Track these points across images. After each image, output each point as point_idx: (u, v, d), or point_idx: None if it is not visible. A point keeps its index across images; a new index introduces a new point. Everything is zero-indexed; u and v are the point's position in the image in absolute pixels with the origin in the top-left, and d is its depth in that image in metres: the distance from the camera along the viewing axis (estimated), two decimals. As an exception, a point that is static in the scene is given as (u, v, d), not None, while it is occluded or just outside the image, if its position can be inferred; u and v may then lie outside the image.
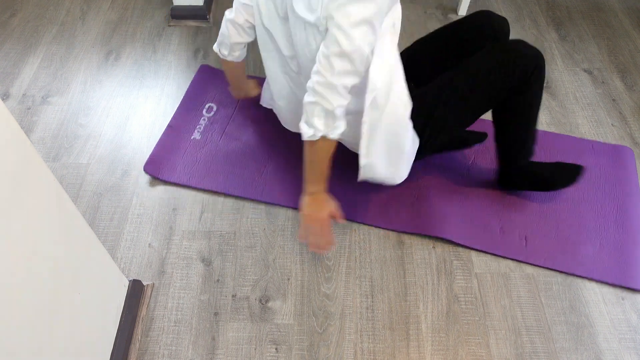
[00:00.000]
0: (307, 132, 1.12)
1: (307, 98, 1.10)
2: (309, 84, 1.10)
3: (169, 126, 1.68)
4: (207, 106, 1.75)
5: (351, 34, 1.03)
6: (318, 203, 1.23)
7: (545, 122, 1.75)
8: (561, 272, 1.38)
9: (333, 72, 1.06)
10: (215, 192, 1.53)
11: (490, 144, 1.49)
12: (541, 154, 1.62)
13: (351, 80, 1.09)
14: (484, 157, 1.62)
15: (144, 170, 1.57)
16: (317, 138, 1.12)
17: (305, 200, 1.22)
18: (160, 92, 1.83)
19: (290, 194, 1.51)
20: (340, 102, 1.09)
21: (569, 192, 1.53)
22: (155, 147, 1.63)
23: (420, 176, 1.55)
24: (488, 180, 1.56)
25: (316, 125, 1.10)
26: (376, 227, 1.47)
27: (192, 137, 1.66)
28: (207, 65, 1.91)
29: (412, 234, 1.45)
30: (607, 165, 1.60)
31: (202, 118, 1.72)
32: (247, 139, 1.66)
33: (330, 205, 1.24)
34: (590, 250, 1.41)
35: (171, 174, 1.56)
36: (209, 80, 1.84)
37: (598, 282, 1.36)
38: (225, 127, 1.69)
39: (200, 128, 1.69)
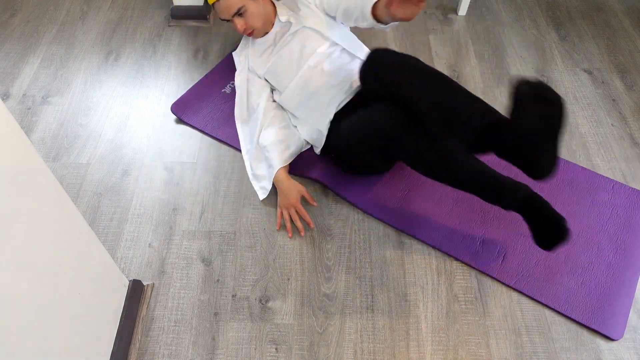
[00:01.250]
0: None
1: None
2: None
3: (205, 76, 1.82)
4: None
5: None
6: (284, 190, 1.45)
7: (545, 122, 1.75)
8: (529, 297, 1.33)
9: None
10: (215, 190, 1.54)
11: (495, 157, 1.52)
12: (561, 186, 1.54)
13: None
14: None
15: (171, 109, 1.73)
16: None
17: (278, 186, 1.42)
18: (160, 92, 1.83)
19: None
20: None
21: (571, 223, 1.47)
22: (186, 92, 1.77)
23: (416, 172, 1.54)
24: (476, 198, 1.52)
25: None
26: (363, 211, 1.49)
27: (222, 90, 1.79)
28: None
29: (397, 229, 1.46)
30: (620, 207, 1.50)
31: None
32: None
33: (298, 188, 1.45)
34: (568, 285, 1.34)
35: (192, 118, 1.71)
36: None
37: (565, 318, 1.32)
38: None
39: (232, 84, 1.81)
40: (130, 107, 1.78)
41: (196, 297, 1.33)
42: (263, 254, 1.42)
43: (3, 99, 1.80)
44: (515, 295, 1.34)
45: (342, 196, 1.51)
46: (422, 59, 1.96)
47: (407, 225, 1.45)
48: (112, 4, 2.19)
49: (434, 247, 1.42)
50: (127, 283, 1.28)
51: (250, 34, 1.56)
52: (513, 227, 1.45)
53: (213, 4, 1.50)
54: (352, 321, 1.30)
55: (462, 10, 2.13)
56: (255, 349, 1.25)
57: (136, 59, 1.95)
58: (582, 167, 1.59)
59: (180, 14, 2.08)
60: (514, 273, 1.37)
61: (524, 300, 1.33)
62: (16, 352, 0.79)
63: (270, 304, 1.32)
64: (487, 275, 1.37)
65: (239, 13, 1.49)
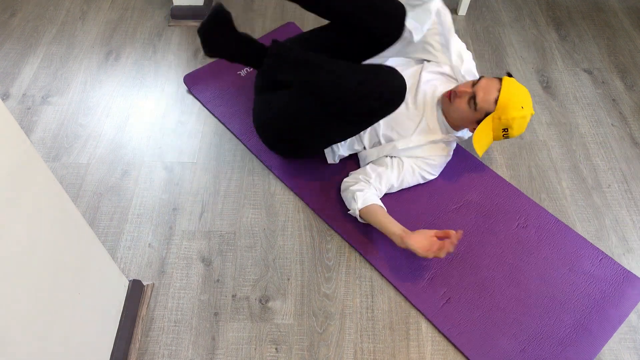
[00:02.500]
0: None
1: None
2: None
3: None
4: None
5: None
6: (414, 238, 1.28)
7: (545, 122, 1.76)
8: (457, 349, 1.25)
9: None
10: (215, 190, 1.54)
11: (483, 206, 1.48)
12: (544, 244, 1.42)
13: None
14: (469, 210, 1.49)
15: (184, 80, 1.81)
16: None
17: (407, 243, 1.27)
18: (160, 92, 1.83)
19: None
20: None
21: (536, 283, 1.35)
22: (204, 66, 1.85)
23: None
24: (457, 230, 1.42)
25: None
26: (325, 221, 1.47)
27: (238, 72, 1.84)
28: (293, 23, 2.07)
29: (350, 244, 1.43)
30: (600, 283, 1.35)
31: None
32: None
33: (422, 233, 1.29)
34: (505, 349, 1.23)
35: (200, 92, 1.78)
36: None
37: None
38: None
39: (249, 69, 1.85)
40: (130, 107, 1.78)
41: (196, 297, 1.33)
42: (263, 254, 1.42)
43: (3, 99, 1.79)
44: (443, 341, 1.27)
45: (311, 208, 1.50)
46: (422, 59, 1.96)
47: (363, 244, 1.41)
48: (112, 4, 2.19)
49: (378, 271, 1.37)
50: (127, 283, 1.28)
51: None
52: (471, 277, 1.36)
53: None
54: (352, 321, 1.30)
55: (462, 10, 2.13)
56: (255, 349, 1.25)
57: (136, 59, 1.95)
58: (576, 233, 1.44)
59: (180, 14, 2.08)
60: (450, 321, 1.28)
61: (451, 349, 1.26)
62: (16, 352, 0.79)
63: (270, 304, 1.32)
64: (422, 315, 1.31)
65: None
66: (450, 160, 1.56)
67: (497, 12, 2.17)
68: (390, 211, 1.43)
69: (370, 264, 1.39)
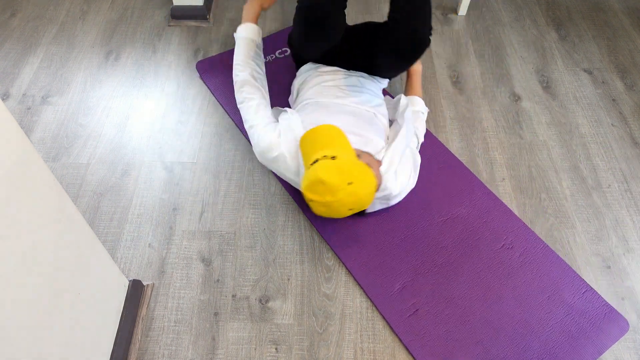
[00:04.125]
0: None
1: None
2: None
3: None
4: (283, 49, 1.93)
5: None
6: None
7: (545, 122, 1.76)
8: None
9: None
10: (215, 190, 1.54)
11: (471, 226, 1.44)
12: (527, 267, 1.37)
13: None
14: (455, 224, 1.46)
15: (196, 66, 1.87)
16: None
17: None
18: (160, 92, 1.83)
19: None
20: None
21: (510, 306, 1.29)
22: (220, 54, 1.91)
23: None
24: (433, 245, 1.41)
25: None
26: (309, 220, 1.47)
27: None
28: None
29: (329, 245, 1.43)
30: (578, 316, 1.28)
31: (271, 55, 1.90)
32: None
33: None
34: None
35: (209, 78, 1.83)
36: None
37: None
38: (277, 76, 1.82)
39: (265, 60, 1.87)
40: (130, 107, 1.78)
41: (196, 297, 1.33)
42: (263, 254, 1.42)
43: (3, 99, 1.79)
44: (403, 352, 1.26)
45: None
46: (421, 59, 1.96)
47: (339, 245, 1.40)
48: (112, 4, 2.19)
49: (350, 274, 1.36)
50: (127, 283, 1.28)
51: None
52: (442, 289, 1.32)
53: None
54: (352, 321, 1.30)
55: (462, 10, 2.13)
56: (255, 349, 1.25)
57: (136, 59, 1.95)
58: (563, 261, 1.38)
59: (180, 14, 2.08)
60: (414, 334, 1.25)
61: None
62: (16, 352, 0.79)
63: (270, 304, 1.32)
64: (386, 322, 1.29)
65: None
66: (443, 174, 1.56)
67: (497, 12, 2.17)
68: (380, 220, 1.44)
69: (345, 266, 1.37)
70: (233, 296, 1.34)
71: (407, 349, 1.24)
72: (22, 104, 1.79)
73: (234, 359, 1.23)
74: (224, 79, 1.82)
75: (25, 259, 0.82)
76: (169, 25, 2.09)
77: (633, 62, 1.97)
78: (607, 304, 1.31)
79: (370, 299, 1.32)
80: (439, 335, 1.25)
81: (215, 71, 1.85)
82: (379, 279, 1.34)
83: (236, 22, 2.10)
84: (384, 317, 1.29)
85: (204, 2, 2.07)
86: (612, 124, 1.75)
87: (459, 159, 1.63)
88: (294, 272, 1.38)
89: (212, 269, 1.39)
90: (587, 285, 1.34)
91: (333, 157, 1.14)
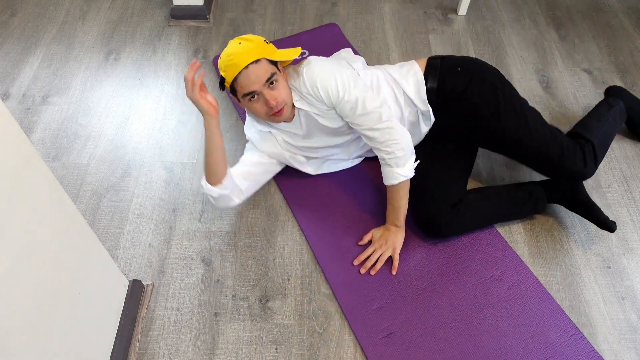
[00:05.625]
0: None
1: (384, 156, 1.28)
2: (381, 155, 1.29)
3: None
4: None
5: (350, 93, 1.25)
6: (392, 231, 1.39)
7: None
8: None
9: (376, 122, 1.26)
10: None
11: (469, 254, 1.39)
12: (514, 302, 1.29)
13: (385, 111, 1.27)
14: (444, 249, 1.40)
15: (213, 61, 1.86)
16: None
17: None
18: (160, 92, 1.83)
19: None
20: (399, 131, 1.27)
21: (489, 341, 1.22)
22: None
23: (371, 211, 1.47)
24: (418, 268, 1.36)
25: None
26: (300, 226, 1.47)
27: None
28: (335, 24, 2.08)
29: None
30: (562, 358, 1.20)
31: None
32: None
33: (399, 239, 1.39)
34: None
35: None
36: (324, 38, 2.02)
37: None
38: None
39: None
40: (130, 107, 1.78)
41: (196, 297, 1.33)
42: (263, 254, 1.42)
43: (3, 99, 1.80)
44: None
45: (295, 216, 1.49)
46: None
47: (325, 259, 1.38)
48: (112, 4, 2.19)
49: (330, 287, 1.34)
50: (127, 283, 1.28)
51: (278, 113, 1.26)
52: (420, 315, 1.27)
53: (236, 77, 1.19)
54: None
55: (462, 10, 2.14)
56: (255, 349, 1.25)
57: (136, 59, 1.95)
58: (554, 301, 1.30)
59: (180, 14, 2.08)
60: (384, 356, 1.20)
61: (524, 300, 1.31)
62: (16, 352, 0.79)
63: (270, 304, 1.32)
64: (358, 343, 1.24)
65: (271, 82, 1.22)
66: None
67: (497, 12, 2.17)
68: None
69: (326, 277, 1.36)
70: (233, 296, 1.34)
71: None
72: (22, 104, 1.79)
73: (234, 359, 1.23)
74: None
75: (25, 259, 0.82)
76: (169, 25, 2.09)
77: (633, 62, 1.97)
78: (593, 351, 1.21)
79: (345, 315, 1.28)
80: None
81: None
82: (358, 297, 1.30)
83: (236, 22, 2.10)
84: (355, 336, 1.25)
85: (204, 2, 2.07)
86: (612, 124, 1.75)
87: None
88: (294, 272, 1.38)
89: (212, 269, 1.39)
90: (576, 328, 1.25)
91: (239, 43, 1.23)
